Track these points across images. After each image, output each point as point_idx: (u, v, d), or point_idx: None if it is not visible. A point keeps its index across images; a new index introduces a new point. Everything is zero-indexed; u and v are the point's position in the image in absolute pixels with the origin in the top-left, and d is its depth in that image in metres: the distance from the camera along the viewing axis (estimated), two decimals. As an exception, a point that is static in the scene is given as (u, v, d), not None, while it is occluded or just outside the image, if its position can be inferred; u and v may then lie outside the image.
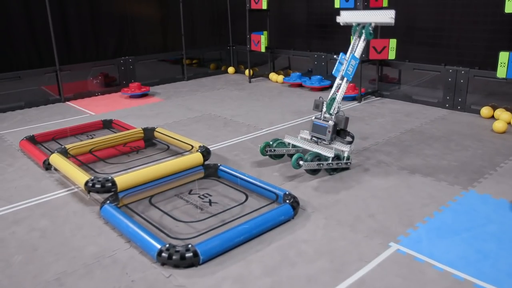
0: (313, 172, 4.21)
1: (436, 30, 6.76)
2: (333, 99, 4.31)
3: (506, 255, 2.94)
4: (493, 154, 4.67)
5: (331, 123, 4.26)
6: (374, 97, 7.22)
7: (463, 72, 6.13)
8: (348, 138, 4.37)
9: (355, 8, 6.53)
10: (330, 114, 4.29)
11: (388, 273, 2.78)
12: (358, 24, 4.41)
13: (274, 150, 4.49)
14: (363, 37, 4.34)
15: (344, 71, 4.32)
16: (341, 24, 4.56)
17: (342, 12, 4.53)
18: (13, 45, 7.40)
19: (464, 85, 6.16)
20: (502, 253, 2.96)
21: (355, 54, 4.34)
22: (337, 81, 4.38)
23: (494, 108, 5.91)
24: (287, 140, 4.56)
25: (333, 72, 4.45)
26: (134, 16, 8.79)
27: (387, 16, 4.25)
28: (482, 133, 5.33)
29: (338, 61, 4.37)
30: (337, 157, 4.21)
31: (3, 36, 7.28)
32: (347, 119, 4.33)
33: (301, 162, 4.04)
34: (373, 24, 4.37)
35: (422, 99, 6.72)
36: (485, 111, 5.91)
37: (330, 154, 4.15)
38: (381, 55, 6.69)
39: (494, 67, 5.47)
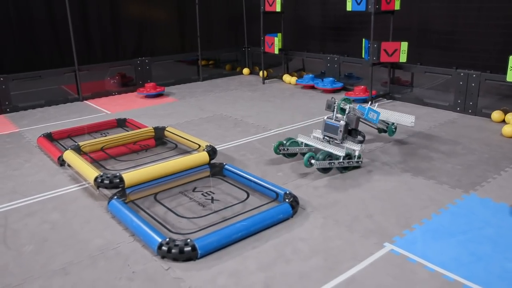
0: (325, 170, 4.31)
1: (449, 33, 6.73)
2: (347, 99, 4.56)
3: (499, 258, 2.97)
4: (500, 158, 4.66)
5: (342, 123, 4.36)
6: (385, 99, 7.24)
7: (474, 75, 6.11)
8: (359, 138, 4.46)
9: (366, 10, 6.55)
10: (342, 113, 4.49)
11: (379, 272, 2.85)
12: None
13: (287, 149, 4.58)
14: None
15: (368, 109, 4.57)
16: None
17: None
18: (35, 46, 7.72)
19: (476, 88, 6.13)
20: (496, 256, 2.99)
21: (380, 116, 4.72)
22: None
23: (506, 112, 5.86)
24: (300, 139, 4.66)
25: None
26: (152, 19, 9.01)
27: (408, 121, 5.03)
28: (491, 137, 5.31)
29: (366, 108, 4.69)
30: (348, 156, 4.30)
31: (26, 37, 7.60)
32: (358, 119, 4.43)
33: (312, 161, 4.14)
34: (396, 124, 5.14)
35: (433, 102, 6.71)
36: (496, 115, 5.87)
37: (341, 153, 4.25)
38: (392, 58, 6.70)
39: (506, 71, 5.43)
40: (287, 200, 3.58)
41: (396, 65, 7.10)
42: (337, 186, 4.10)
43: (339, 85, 7.83)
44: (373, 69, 6.89)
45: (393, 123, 5.14)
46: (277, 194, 3.74)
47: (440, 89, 6.81)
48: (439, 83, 6.82)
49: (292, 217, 3.53)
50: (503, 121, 5.83)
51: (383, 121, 5.12)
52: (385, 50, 6.71)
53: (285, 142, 4.59)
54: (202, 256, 3.04)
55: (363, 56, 7.13)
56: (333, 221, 3.49)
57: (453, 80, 6.41)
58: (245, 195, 3.90)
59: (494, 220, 3.45)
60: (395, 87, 7.34)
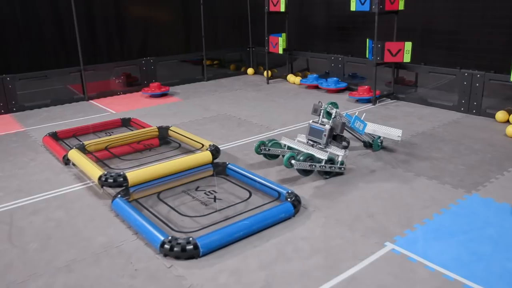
0: (305, 172, 4.22)
1: (453, 33, 6.72)
2: (334, 103, 4.48)
3: (500, 257, 2.97)
4: (503, 158, 4.65)
5: (327, 127, 4.33)
6: (389, 99, 7.24)
7: (478, 75, 6.09)
8: (344, 143, 4.43)
9: (370, 10, 6.56)
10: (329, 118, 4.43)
11: (379, 271, 2.86)
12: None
13: (269, 150, 4.51)
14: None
15: (355, 118, 4.60)
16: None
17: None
18: (41, 46, 7.79)
19: (480, 88, 6.12)
20: (496, 255, 3.00)
21: (366, 128, 4.77)
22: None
23: (510, 112, 5.84)
24: (283, 141, 4.63)
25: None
26: (157, 19, 9.07)
27: (395, 134, 4.91)
28: (495, 138, 5.30)
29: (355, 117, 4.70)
30: (331, 160, 4.25)
31: (33, 37, 7.67)
32: (343, 124, 4.38)
33: (292, 161, 4.05)
34: (382, 138, 4.97)
35: (437, 103, 6.70)
36: (500, 115, 5.86)
37: (323, 156, 4.20)
38: (396, 58, 6.69)
39: (510, 71, 5.41)
40: (289, 200, 3.60)
41: (400, 65, 7.11)
42: (339, 186, 4.12)
43: (343, 85, 7.84)
44: (377, 69, 6.89)
45: (379, 137, 4.96)
46: (279, 193, 3.76)
47: (444, 89, 6.81)
48: (443, 83, 6.82)
49: (294, 216, 3.55)
50: (507, 121, 5.82)
51: (370, 134, 5.00)
52: (389, 50, 6.70)
53: (266, 142, 4.54)
54: (204, 255, 3.07)
55: (367, 56, 7.14)
56: (334, 220, 3.51)
57: (457, 80, 6.40)
58: (247, 194, 3.93)
59: (496, 220, 3.45)
60: (399, 87, 7.33)
